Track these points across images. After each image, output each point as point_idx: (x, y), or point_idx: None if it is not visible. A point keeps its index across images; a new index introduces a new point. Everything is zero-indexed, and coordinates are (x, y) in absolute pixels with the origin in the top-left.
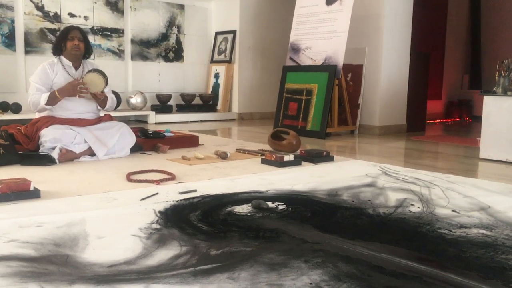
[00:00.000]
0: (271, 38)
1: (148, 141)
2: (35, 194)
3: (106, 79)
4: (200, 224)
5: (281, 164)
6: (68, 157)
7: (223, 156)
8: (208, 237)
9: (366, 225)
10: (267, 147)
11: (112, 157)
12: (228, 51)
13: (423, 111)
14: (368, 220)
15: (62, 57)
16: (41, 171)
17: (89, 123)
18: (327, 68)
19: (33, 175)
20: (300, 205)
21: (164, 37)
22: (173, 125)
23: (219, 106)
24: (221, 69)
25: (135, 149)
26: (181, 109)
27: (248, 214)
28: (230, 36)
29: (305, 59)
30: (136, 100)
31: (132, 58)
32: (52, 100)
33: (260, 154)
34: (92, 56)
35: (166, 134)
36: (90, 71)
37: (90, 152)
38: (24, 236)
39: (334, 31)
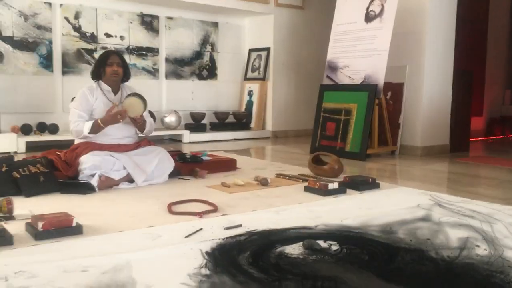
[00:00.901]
0: (305, 55)
1: (186, 165)
2: (77, 230)
3: (145, 103)
4: (251, 269)
5: (326, 192)
6: (107, 184)
7: (263, 182)
8: (262, 286)
9: (432, 272)
10: (306, 170)
11: (150, 184)
12: (262, 69)
13: (466, 130)
14: (433, 266)
15: (101, 82)
16: (81, 200)
17: (127, 148)
18: (367, 87)
19: (73, 205)
20: (355, 245)
21: (198, 55)
22: (207, 144)
23: (252, 124)
24: (254, 86)
25: (173, 174)
26: (214, 127)
27: (301, 257)
28: (264, 54)
29: (343, 78)
30: (170, 119)
31: (167, 76)
32: (96, 129)
33: (301, 180)
34: None
35: (203, 158)
36: (129, 95)
37: (129, 179)
38: (71, 285)
39: (374, 49)
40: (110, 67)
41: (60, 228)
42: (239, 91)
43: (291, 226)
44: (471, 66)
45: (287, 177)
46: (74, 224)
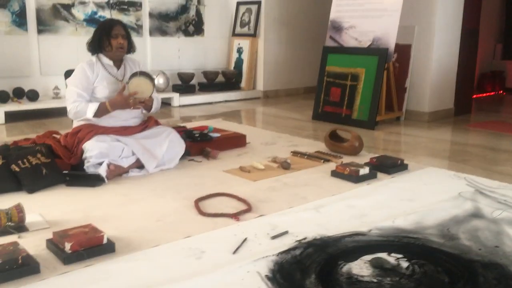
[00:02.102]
0: (300, 10)
1: (195, 144)
2: (109, 248)
3: (153, 82)
4: None
5: (357, 179)
6: (117, 172)
7: (285, 166)
8: None
9: None
10: (319, 145)
11: (162, 169)
12: (252, 24)
13: (470, 93)
14: None
15: (102, 56)
16: (91, 195)
17: (134, 130)
18: (377, 52)
19: (86, 205)
20: (424, 259)
21: (184, 9)
22: (198, 107)
23: (242, 84)
24: (244, 43)
25: (183, 155)
26: (203, 88)
27: (375, 281)
28: (254, 7)
29: (348, 40)
30: (158, 81)
31: (151, 33)
32: (102, 113)
33: (322, 161)
34: None
35: (212, 135)
36: (134, 74)
37: (139, 165)
38: None
39: (384, 9)
40: (115, 39)
41: (91, 248)
42: (227, 48)
43: (343, 233)
44: (477, 25)
45: (305, 156)
46: (105, 240)
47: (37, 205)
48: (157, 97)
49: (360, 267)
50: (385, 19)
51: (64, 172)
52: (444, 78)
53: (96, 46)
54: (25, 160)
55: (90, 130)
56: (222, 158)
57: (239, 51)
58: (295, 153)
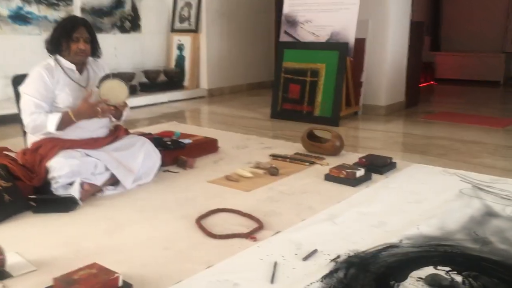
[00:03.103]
0: (239, 1)
1: (168, 153)
2: None
3: (128, 86)
4: None
5: (355, 182)
6: (91, 192)
7: (273, 172)
8: None
9: None
10: (293, 146)
11: (139, 184)
12: (193, 19)
13: (418, 85)
14: None
15: (60, 58)
16: (71, 223)
17: (104, 142)
18: (337, 46)
19: (66, 232)
20: (475, 270)
21: (119, 3)
22: (142, 110)
23: (186, 83)
24: (185, 39)
25: None
26: (145, 88)
27: None
28: (193, 1)
29: (305, 34)
30: None
31: None
32: (66, 124)
33: (308, 163)
34: (38, 31)
35: (183, 141)
36: (106, 77)
37: (113, 181)
38: None
39: (341, 3)
40: (75, 43)
41: None
42: (166, 44)
43: (375, 247)
44: (422, 17)
45: (287, 160)
46: (120, 283)
47: (7, 242)
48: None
49: (416, 287)
50: (342, 12)
51: (30, 196)
52: (397, 71)
53: (55, 45)
54: None
55: (53, 145)
56: (199, 167)
57: (180, 48)
58: (275, 157)
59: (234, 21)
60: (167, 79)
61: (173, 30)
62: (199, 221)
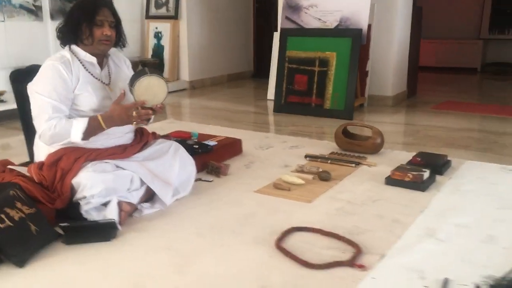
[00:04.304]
0: None
1: (196, 158)
2: None
3: (167, 83)
4: None
5: (424, 186)
6: (130, 213)
7: (324, 177)
8: None
9: None
10: (321, 143)
11: (177, 199)
12: (171, 4)
13: (416, 73)
14: None
15: (78, 49)
16: (118, 257)
17: (133, 150)
18: (350, 32)
19: (119, 271)
20: None
21: None
22: None
23: (165, 74)
24: (164, 27)
25: None
26: None
27: None
28: None
29: (309, 20)
30: None
31: (53, 17)
32: (93, 132)
33: (354, 164)
34: (1, 17)
35: (209, 144)
36: (140, 73)
37: (147, 197)
38: None
39: None
40: (99, 28)
41: None
42: (140, 32)
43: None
44: (421, 1)
45: (328, 161)
46: None
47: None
48: None
49: None
50: None
51: (62, 224)
52: (402, 59)
53: (72, 35)
54: (2, 216)
55: (77, 157)
56: (232, 173)
57: (158, 36)
58: (312, 158)
59: (213, 7)
60: None
61: (148, 16)
62: (280, 245)
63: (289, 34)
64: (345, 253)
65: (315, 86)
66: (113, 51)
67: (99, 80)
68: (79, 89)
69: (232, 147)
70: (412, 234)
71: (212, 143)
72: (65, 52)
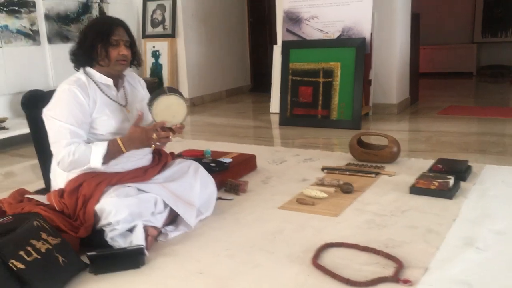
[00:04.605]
0: (215, 3)
1: (213, 177)
2: None
3: (186, 101)
4: None
5: (450, 193)
6: (155, 238)
7: (347, 189)
8: None
9: None
10: (334, 155)
11: (200, 220)
12: (168, 22)
13: (417, 79)
14: None
15: (93, 71)
16: (152, 285)
17: (154, 172)
18: (353, 42)
19: None
20: None
21: (85, 8)
22: None
23: None
24: (161, 45)
25: None
26: None
27: None
28: (167, 3)
29: (311, 32)
30: None
31: (50, 40)
32: (112, 156)
33: (374, 175)
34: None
35: (225, 161)
36: (159, 93)
37: (170, 220)
38: None
39: None
40: (115, 48)
41: None
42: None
43: None
44: (418, 8)
45: (347, 172)
46: None
47: None
48: None
49: None
50: (354, 6)
51: (90, 254)
52: (405, 66)
53: (86, 57)
54: (29, 249)
55: (98, 181)
56: (251, 190)
57: (155, 55)
58: (330, 170)
59: (209, 24)
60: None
61: (145, 36)
62: (317, 262)
63: (291, 46)
64: (386, 268)
65: (320, 97)
66: (127, 71)
67: (116, 102)
68: (97, 112)
69: (247, 164)
70: (450, 244)
71: (227, 160)
72: (80, 74)
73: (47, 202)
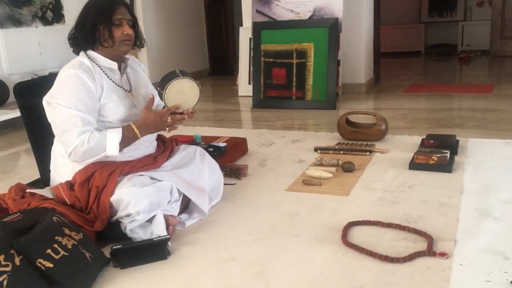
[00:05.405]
0: None
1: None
2: None
3: (199, 85)
4: None
5: (448, 167)
6: (174, 227)
7: (349, 168)
8: None
9: None
10: (320, 135)
11: (212, 206)
12: None
13: (379, 59)
14: None
15: (96, 54)
16: (187, 277)
17: (163, 159)
18: (326, 22)
19: None
20: None
21: None
22: None
23: None
24: None
25: None
26: None
27: None
28: None
29: (282, 12)
30: None
31: (2, 24)
32: (127, 143)
33: (368, 153)
34: None
35: (221, 145)
36: (171, 76)
37: (183, 208)
38: None
39: None
40: (118, 28)
41: None
42: None
43: None
44: None
45: (341, 152)
46: None
47: None
48: None
49: None
50: None
51: (115, 247)
52: (370, 47)
53: (89, 39)
54: (55, 246)
55: (110, 171)
56: (250, 174)
57: None
58: (323, 150)
59: (166, 8)
60: None
61: None
62: (348, 241)
63: (262, 27)
64: (417, 242)
65: (294, 78)
66: (127, 56)
67: (121, 87)
68: (104, 98)
69: (239, 147)
70: (468, 216)
71: (222, 144)
72: (83, 58)
73: (51, 196)
